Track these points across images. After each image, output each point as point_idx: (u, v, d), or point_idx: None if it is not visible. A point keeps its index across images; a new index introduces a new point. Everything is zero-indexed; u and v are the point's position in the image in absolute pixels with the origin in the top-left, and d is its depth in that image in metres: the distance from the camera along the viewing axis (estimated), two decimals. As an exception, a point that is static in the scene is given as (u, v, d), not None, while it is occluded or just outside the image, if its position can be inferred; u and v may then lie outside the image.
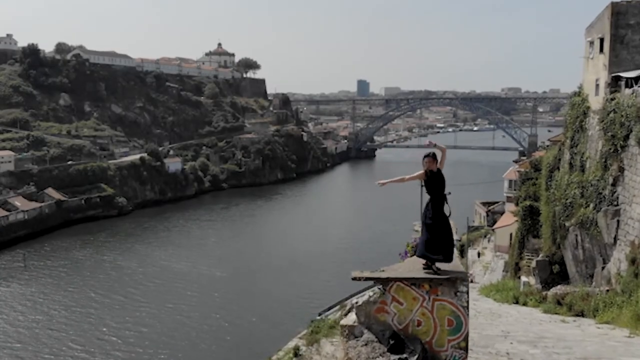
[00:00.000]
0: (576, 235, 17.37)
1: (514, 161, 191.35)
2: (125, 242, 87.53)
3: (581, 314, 13.91)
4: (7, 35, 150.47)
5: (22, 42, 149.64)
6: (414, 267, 7.49)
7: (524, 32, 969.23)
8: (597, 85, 18.06)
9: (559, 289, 17.60)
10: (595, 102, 17.89)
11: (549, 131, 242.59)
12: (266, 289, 63.92)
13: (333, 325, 21.03)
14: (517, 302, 17.83)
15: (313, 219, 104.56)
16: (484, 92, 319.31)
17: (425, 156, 7.78)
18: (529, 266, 23.60)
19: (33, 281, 67.61)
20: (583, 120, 18.49)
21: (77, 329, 52.76)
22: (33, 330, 52.65)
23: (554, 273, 20.05)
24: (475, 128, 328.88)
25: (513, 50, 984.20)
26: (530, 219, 25.38)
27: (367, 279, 7.20)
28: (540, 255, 21.11)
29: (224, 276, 69.33)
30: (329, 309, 55.82)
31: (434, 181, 7.68)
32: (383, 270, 7.31)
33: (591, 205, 16.65)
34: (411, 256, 8.06)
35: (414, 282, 7.03)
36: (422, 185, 8.05)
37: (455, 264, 7.42)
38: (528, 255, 24.97)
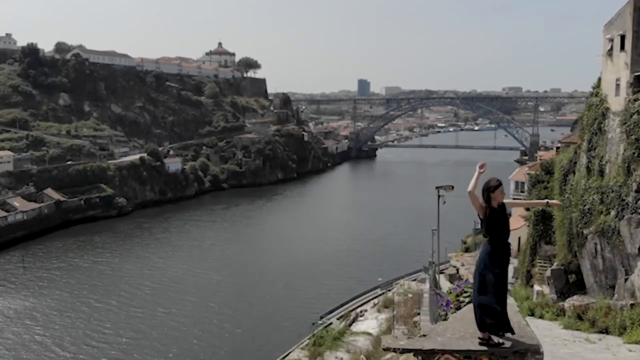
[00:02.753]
0: (595, 243, 16.47)
1: (515, 161, 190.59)
2: (124, 244, 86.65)
3: (605, 331, 12.94)
4: (7, 34, 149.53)
5: (22, 41, 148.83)
6: (465, 329, 5.74)
7: (525, 32, 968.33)
8: (618, 85, 17.12)
9: (575, 300, 16.68)
10: (616, 103, 16.98)
11: (552, 130, 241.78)
12: (266, 291, 62.98)
13: (337, 336, 20.29)
14: (532, 314, 16.87)
15: (313, 220, 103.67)
16: (485, 91, 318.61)
17: (492, 185, 6.10)
18: (541, 274, 22.65)
19: (31, 283, 66.71)
20: (602, 122, 17.56)
21: (73, 333, 51.80)
22: (28, 333, 51.71)
23: (569, 282, 19.10)
24: (477, 128, 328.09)
25: (513, 50, 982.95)
26: (542, 224, 24.37)
27: (403, 350, 5.46)
28: (555, 264, 20.14)
29: (223, 279, 68.39)
30: (330, 312, 55.23)
31: (497, 219, 5.98)
32: (424, 335, 5.69)
33: (612, 213, 15.75)
34: (455, 309, 6.53)
35: (468, 354, 5.34)
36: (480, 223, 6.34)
37: (523, 330, 5.71)
38: (540, 263, 23.97)
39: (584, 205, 17.41)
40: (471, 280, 6.52)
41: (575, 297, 17.90)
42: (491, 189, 6.09)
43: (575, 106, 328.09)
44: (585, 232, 17.35)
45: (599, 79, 24.61)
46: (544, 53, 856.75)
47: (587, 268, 17.48)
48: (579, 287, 18.76)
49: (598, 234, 16.22)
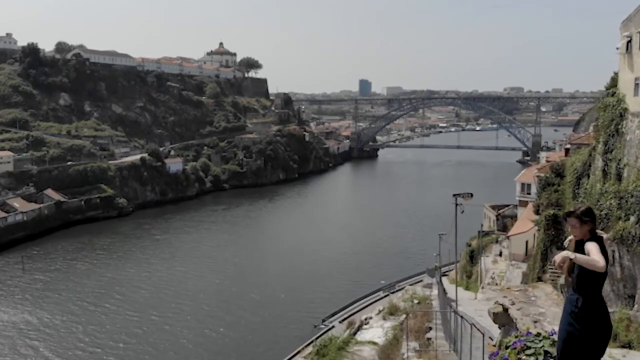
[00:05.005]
0: (613, 250, 15.73)
1: (517, 161, 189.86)
2: (124, 246, 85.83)
3: (628, 346, 12.23)
4: (7, 34, 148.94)
5: (22, 41, 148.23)
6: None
7: (526, 31, 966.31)
8: (637, 85, 16.35)
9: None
10: (635, 103, 16.22)
11: (555, 131, 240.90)
12: (267, 294, 62.19)
13: (341, 346, 19.63)
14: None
15: (314, 221, 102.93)
16: (487, 91, 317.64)
17: (568, 214, 4.98)
18: (553, 280, 21.91)
19: (30, 286, 65.99)
20: (619, 123, 16.80)
21: (69, 337, 50.86)
22: (23, 337, 50.82)
23: (584, 290, 18.35)
24: (478, 128, 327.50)
25: (515, 50, 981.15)
26: (554, 229, 23.58)
27: None
28: (569, 271, 19.43)
29: (223, 281, 67.63)
30: (332, 315, 54.45)
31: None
32: None
33: (632, 219, 15.02)
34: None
35: None
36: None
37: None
38: (552, 269, 23.25)
39: (601, 211, 16.68)
40: (533, 330, 5.72)
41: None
42: (566, 217, 5.02)
43: (577, 106, 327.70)
44: (602, 238, 16.66)
45: (612, 78, 23.84)
46: (546, 53, 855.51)
47: (604, 276, 16.81)
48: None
49: (616, 240, 15.50)
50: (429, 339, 13.73)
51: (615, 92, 18.03)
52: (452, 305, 14.08)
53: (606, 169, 17.04)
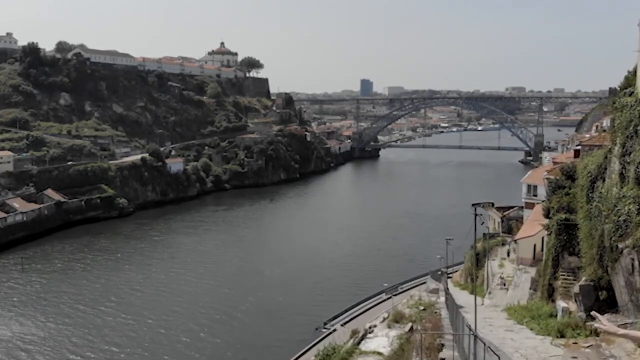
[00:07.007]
0: (632, 259, 15.00)
1: (520, 161, 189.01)
2: (123, 247, 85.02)
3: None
4: (7, 34, 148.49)
5: (23, 41, 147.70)
6: None
7: (528, 32, 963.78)
8: (658, 85, 15.66)
9: (608, 320, 15.20)
10: (655, 104, 15.50)
11: (559, 130, 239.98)
12: (268, 296, 61.43)
13: (345, 356, 18.94)
14: (562, 336, 15.37)
15: (316, 222, 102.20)
16: (488, 91, 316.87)
17: None
18: (565, 288, 21.12)
19: (29, 287, 65.32)
20: (638, 124, 16.10)
21: (67, 340, 50.17)
22: (18, 340, 50.09)
23: (599, 300, 17.66)
24: (480, 128, 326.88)
25: (517, 50, 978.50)
26: (566, 234, 22.79)
27: None
28: (584, 279, 18.64)
29: (223, 283, 66.89)
30: (334, 318, 53.71)
31: None
32: None
33: (653, 226, 14.32)
34: None
35: None
36: None
37: None
38: (564, 275, 22.42)
39: (618, 216, 15.94)
40: None
41: (606, 315, 16.41)
42: None
43: (579, 106, 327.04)
44: (620, 245, 15.89)
45: (626, 78, 23.05)
46: (547, 53, 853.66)
47: (621, 285, 16.04)
48: (610, 304, 17.33)
49: (636, 248, 14.78)
50: (442, 359, 12.92)
51: (633, 92, 17.35)
52: (470, 325, 13.22)
53: (624, 172, 16.33)
